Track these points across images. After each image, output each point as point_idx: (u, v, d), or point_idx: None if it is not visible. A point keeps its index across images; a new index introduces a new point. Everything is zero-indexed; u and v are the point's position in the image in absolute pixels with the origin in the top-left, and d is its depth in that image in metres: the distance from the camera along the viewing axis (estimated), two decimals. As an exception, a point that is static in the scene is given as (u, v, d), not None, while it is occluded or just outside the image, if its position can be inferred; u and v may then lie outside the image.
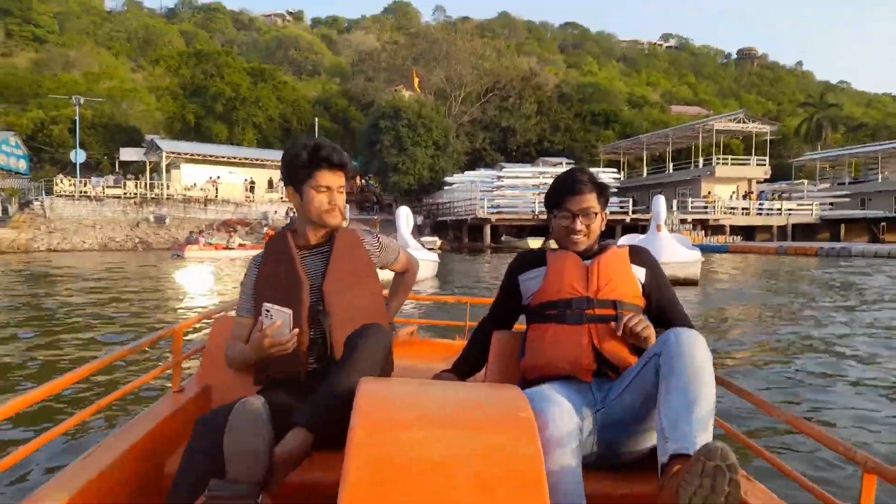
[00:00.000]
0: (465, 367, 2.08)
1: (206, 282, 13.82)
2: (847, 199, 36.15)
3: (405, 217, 14.57)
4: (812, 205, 35.23)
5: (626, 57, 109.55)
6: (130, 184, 32.50)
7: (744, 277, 15.16)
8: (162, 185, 33.10)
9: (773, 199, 36.47)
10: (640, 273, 1.91)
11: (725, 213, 34.23)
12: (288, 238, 1.95)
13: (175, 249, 23.63)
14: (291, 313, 1.71)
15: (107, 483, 1.47)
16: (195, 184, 34.71)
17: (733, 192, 37.13)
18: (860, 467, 1.18)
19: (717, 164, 37.50)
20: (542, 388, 1.52)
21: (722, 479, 1.17)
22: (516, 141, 45.46)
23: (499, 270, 19.39)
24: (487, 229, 33.40)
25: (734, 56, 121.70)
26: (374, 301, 1.97)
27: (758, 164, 38.35)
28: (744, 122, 38.58)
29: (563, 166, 36.74)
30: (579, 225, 1.89)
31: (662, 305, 1.92)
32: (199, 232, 27.43)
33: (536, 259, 1.97)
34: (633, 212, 34.35)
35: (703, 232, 32.46)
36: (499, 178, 35.19)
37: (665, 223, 32.52)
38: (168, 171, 34.87)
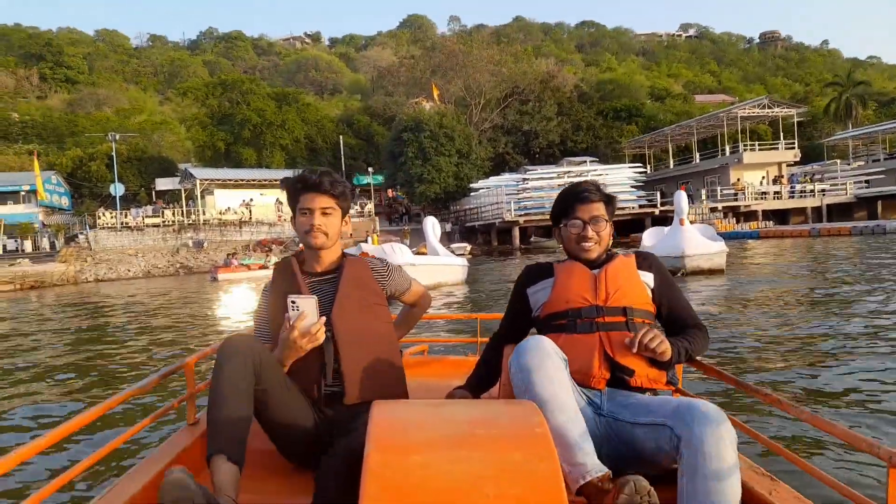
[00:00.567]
0: (478, 384, 2.08)
1: (239, 302, 14.36)
2: (882, 176, 35.35)
3: (432, 226, 15.06)
4: (846, 184, 34.56)
5: (645, 50, 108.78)
6: (168, 212, 33.66)
7: (772, 263, 15.12)
8: (198, 211, 34.19)
9: (804, 182, 35.84)
10: (647, 278, 1.92)
11: (756, 198, 33.81)
12: (293, 264, 1.98)
13: (212, 272, 24.47)
14: (317, 299, 1.75)
15: None
16: (229, 208, 35.76)
17: (763, 178, 36.66)
18: (886, 463, 1.17)
19: (745, 150, 37.08)
20: (544, 339, 1.64)
21: None
22: (539, 143, 45.61)
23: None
24: (516, 231, 33.62)
25: (756, 41, 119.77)
26: (383, 328, 1.97)
27: (786, 148, 37.79)
28: (768, 108, 38.08)
29: (587, 164, 36.82)
30: (590, 232, 1.90)
31: (672, 309, 1.92)
32: (233, 254, 28.27)
33: (544, 271, 1.98)
34: (662, 204, 34.19)
35: (735, 219, 32.12)
36: (524, 180, 35.42)
37: (695, 212, 32.46)
38: (202, 197, 35.99)
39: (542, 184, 35.26)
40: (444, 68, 47.05)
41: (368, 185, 43.46)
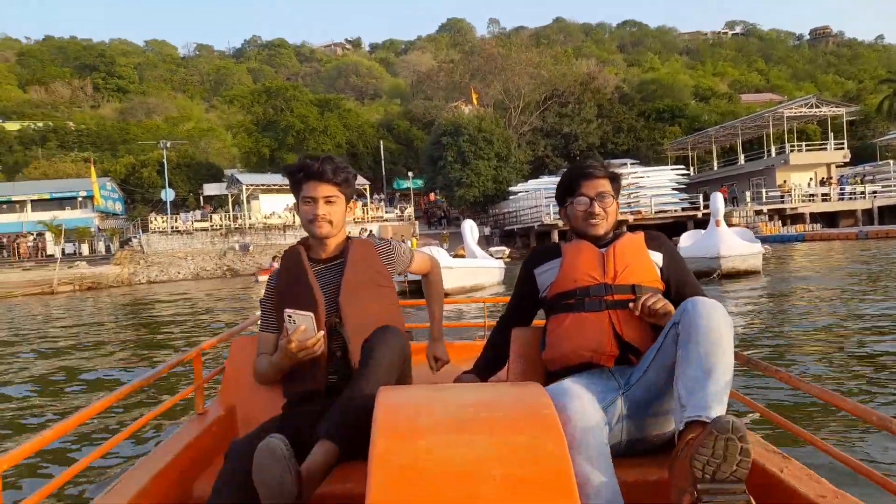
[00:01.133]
0: (485, 367, 2.07)
1: None
2: (939, 177, 33.98)
3: (470, 230, 15.40)
4: (899, 185, 33.39)
5: (689, 49, 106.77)
6: (216, 217, 34.79)
7: (811, 266, 14.92)
8: (244, 215, 35.23)
9: (854, 183, 34.73)
10: (656, 257, 1.90)
11: (803, 200, 32.95)
12: (301, 252, 1.97)
13: (256, 274, 25.43)
14: (313, 315, 1.74)
15: None
16: (273, 212, 36.74)
17: (811, 179, 35.67)
18: None
19: (792, 151, 36.15)
20: (563, 383, 1.57)
21: (734, 450, 1.22)
22: (579, 146, 45.34)
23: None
24: (555, 234, 33.51)
25: (807, 37, 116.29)
26: (391, 310, 1.96)
27: (836, 148, 36.68)
28: (816, 107, 37.02)
29: (627, 167, 36.46)
30: (597, 208, 1.89)
31: (681, 287, 1.90)
32: (276, 257, 29.13)
33: (550, 252, 1.98)
34: (705, 207, 33.61)
35: (781, 222, 31.36)
36: (563, 183, 35.31)
37: (739, 215, 31.86)
38: (248, 202, 37.06)
39: (582, 187, 35.06)
40: (482, 72, 47.24)
41: (408, 189, 43.96)
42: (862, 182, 34.73)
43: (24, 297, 23.87)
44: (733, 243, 12.57)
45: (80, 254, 32.98)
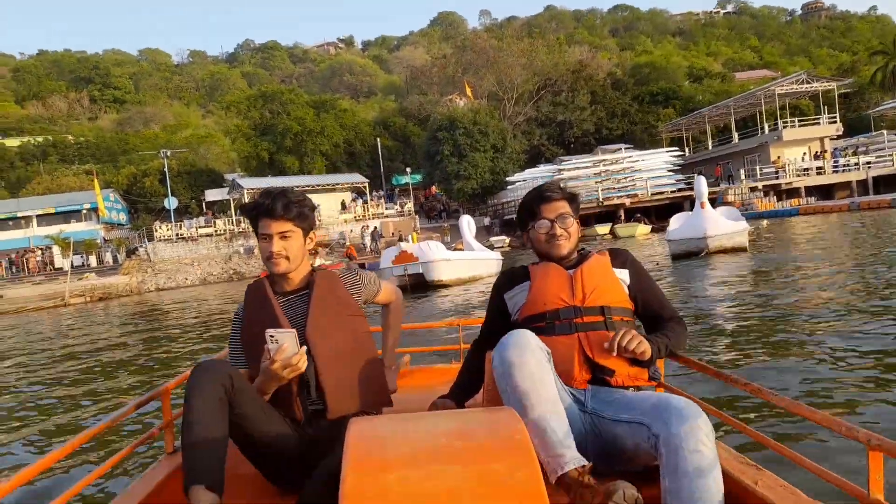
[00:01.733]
0: (461, 391, 2.07)
1: None
2: (933, 145, 34.25)
3: (467, 224, 16.01)
4: (892, 154, 33.67)
5: (682, 30, 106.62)
6: (220, 222, 35.33)
7: (797, 240, 15.43)
8: (244, 219, 35.72)
9: (847, 155, 35.04)
10: (623, 275, 1.93)
11: (798, 175, 33.29)
12: (265, 285, 1.96)
13: (260, 276, 25.99)
14: (295, 332, 1.74)
15: None
16: (275, 214, 37.22)
17: (805, 154, 35.98)
18: (865, 445, 1.18)
19: (785, 127, 36.45)
20: (524, 334, 1.65)
21: None
22: (574, 133, 45.69)
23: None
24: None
25: (798, 12, 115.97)
26: (361, 339, 1.95)
27: (829, 122, 36.96)
28: (807, 83, 37.29)
29: (622, 151, 36.84)
30: (558, 230, 1.92)
31: (649, 304, 1.94)
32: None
33: (520, 275, 2.00)
34: (701, 187, 33.99)
35: (776, 198, 31.73)
36: (559, 171, 35.73)
37: (734, 193, 32.25)
38: (250, 206, 37.54)
39: (578, 173, 35.51)
40: (475, 66, 47.59)
41: (407, 184, 44.40)
42: (855, 154, 35.02)
43: (38, 310, 24.44)
44: (719, 223, 13.19)
45: (89, 265, 33.56)
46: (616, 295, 1.86)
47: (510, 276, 2.03)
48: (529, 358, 1.57)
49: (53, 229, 36.20)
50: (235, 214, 37.03)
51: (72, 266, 30.05)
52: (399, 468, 1.06)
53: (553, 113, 45.48)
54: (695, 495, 1.37)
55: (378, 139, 46.95)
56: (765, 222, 24.75)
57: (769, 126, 37.63)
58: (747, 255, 12.71)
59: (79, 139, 64.81)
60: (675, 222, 14.19)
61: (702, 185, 13.73)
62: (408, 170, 44.31)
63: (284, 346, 1.71)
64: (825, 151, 36.07)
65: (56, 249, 34.10)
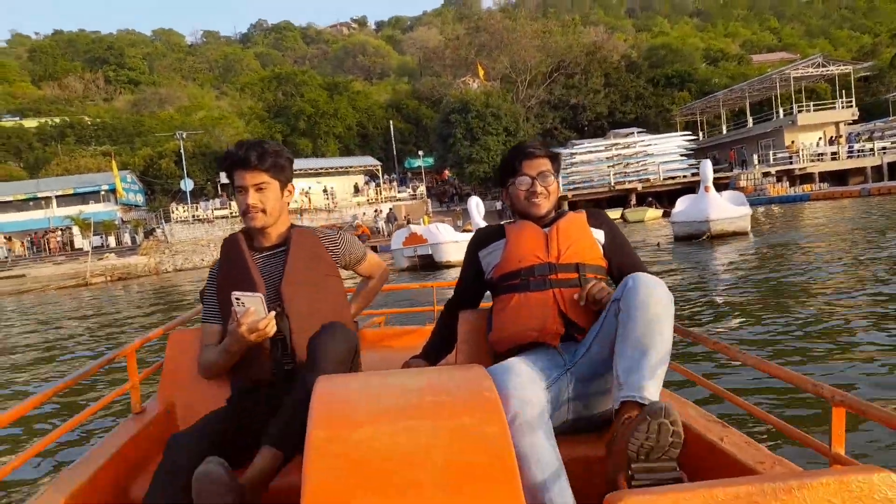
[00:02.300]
0: (433, 351, 2.07)
1: None
2: (951, 130, 33.89)
3: (475, 206, 16.32)
4: (909, 140, 33.41)
5: (700, 11, 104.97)
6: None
7: (801, 225, 15.66)
8: (261, 201, 36.24)
9: (862, 141, 34.75)
10: (598, 234, 1.92)
11: (812, 160, 33.13)
12: (239, 240, 1.91)
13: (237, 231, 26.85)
14: (262, 296, 1.68)
15: None
16: (289, 197, 37.73)
17: (820, 139, 35.73)
18: (829, 401, 1.21)
19: (800, 112, 36.18)
20: (505, 361, 1.55)
21: (666, 432, 1.27)
22: (587, 116, 45.57)
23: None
24: (565, 206, 34.03)
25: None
26: (336, 300, 1.92)
27: (845, 107, 36.61)
28: (823, 66, 36.89)
29: (634, 135, 36.77)
30: (539, 187, 1.91)
31: (622, 264, 1.94)
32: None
33: (495, 233, 1.99)
34: (714, 171, 33.92)
35: (789, 183, 31.65)
36: (571, 155, 35.77)
37: (746, 178, 32.18)
38: (264, 188, 38.05)
39: (590, 157, 35.54)
40: (488, 47, 47.43)
41: (419, 167, 44.62)
42: (871, 139, 34.74)
43: (60, 289, 25.12)
44: (722, 207, 13.56)
45: (108, 246, 34.25)
46: (591, 252, 1.86)
47: (485, 234, 2.02)
48: (528, 412, 1.38)
49: (73, 210, 36.89)
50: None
51: (91, 246, 30.75)
52: (367, 424, 1.05)
53: (566, 96, 45.34)
54: (640, 329, 1.46)
55: (391, 122, 47.11)
56: (776, 207, 24.82)
57: (784, 111, 37.35)
58: (748, 238, 13.07)
59: (95, 120, 65.33)
60: (681, 205, 14.57)
61: (707, 170, 14.13)
62: (420, 153, 44.49)
63: (251, 309, 1.66)
64: (840, 136, 35.79)
65: (76, 230, 34.82)
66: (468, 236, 14.08)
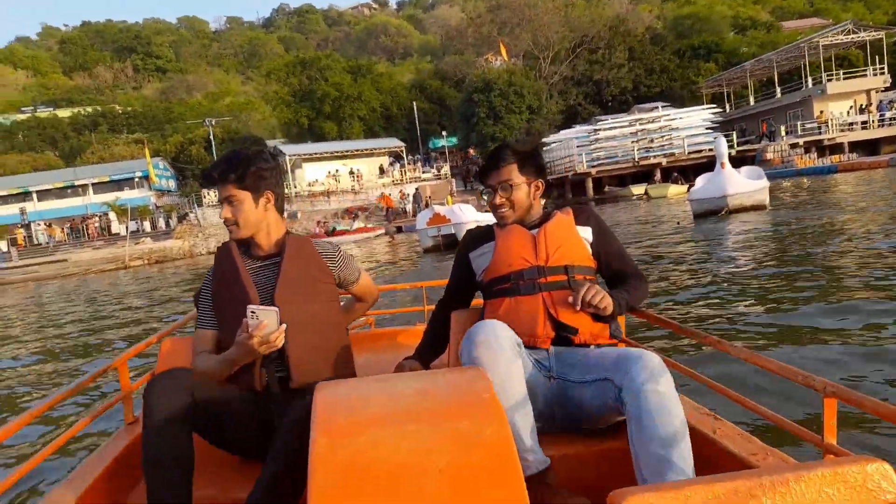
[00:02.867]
0: (426, 352, 2.05)
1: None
2: None
3: None
4: (944, 107, 32.56)
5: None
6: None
7: (822, 198, 15.69)
8: (289, 185, 36.99)
9: (895, 108, 33.94)
10: (586, 233, 1.93)
11: (841, 130, 32.54)
12: (232, 248, 1.91)
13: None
14: (278, 310, 1.70)
15: None
16: (317, 180, 38.45)
17: (850, 108, 35.01)
18: (820, 393, 1.21)
19: (829, 80, 35.44)
20: (490, 322, 1.61)
21: None
22: (610, 91, 45.19)
23: (608, 218, 20.60)
24: (589, 182, 34.14)
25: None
26: (329, 309, 1.91)
27: (877, 74, 35.73)
28: (854, 33, 35.95)
29: (658, 110, 36.46)
30: (499, 199, 1.92)
31: (611, 261, 1.96)
32: (318, 223, 31.04)
33: (484, 236, 1.99)
34: (739, 144, 33.58)
35: (817, 154, 31.18)
36: (595, 131, 35.68)
37: (773, 150, 31.75)
38: (292, 171, 38.79)
39: (614, 133, 35.39)
40: (511, 24, 47.18)
41: (443, 147, 44.90)
42: (904, 106, 33.95)
43: (101, 272, 26.22)
44: (738, 182, 13.81)
45: (144, 231, 35.41)
46: (579, 253, 1.88)
47: (475, 237, 2.03)
48: (500, 358, 1.52)
49: (109, 196, 38.15)
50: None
51: (128, 231, 31.88)
52: (369, 429, 1.05)
53: (589, 71, 45.00)
54: (659, 431, 1.39)
55: (414, 102, 47.37)
56: (804, 179, 24.58)
57: (813, 80, 36.62)
58: (765, 213, 13.26)
59: (126, 109, 66.92)
60: (699, 182, 14.75)
61: (722, 147, 14.31)
62: (444, 133, 44.73)
63: (264, 322, 1.66)
64: (870, 105, 35.02)
65: (112, 216, 36.04)
66: (489, 216, 14.67)
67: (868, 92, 35.87)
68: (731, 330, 4.75)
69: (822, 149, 31.84)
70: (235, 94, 68.73)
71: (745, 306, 5.45)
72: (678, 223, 14.05)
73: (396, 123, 47.67)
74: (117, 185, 41.69)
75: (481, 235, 2.01)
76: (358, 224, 29.71)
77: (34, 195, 41.41)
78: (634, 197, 29.95)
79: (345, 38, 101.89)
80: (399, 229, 29.77)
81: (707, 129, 35.42)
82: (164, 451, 1.49)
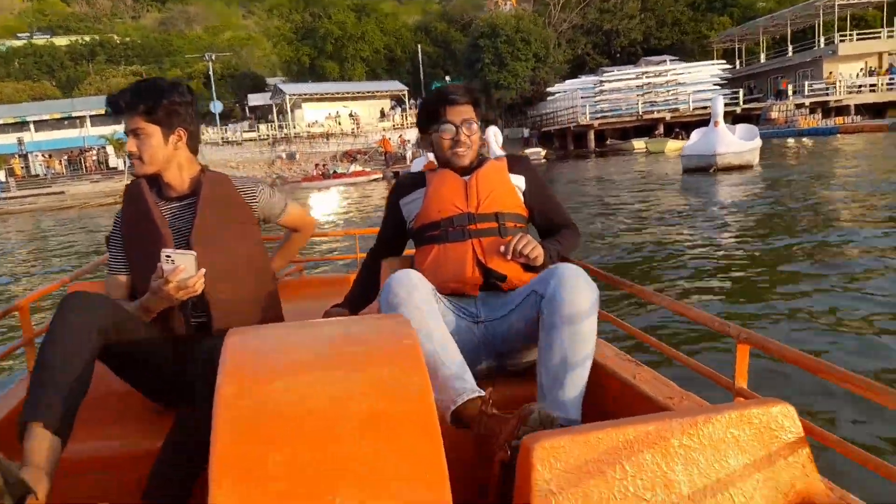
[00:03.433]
0: (356, 300, 2.02)
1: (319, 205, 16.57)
2: None
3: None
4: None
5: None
6: (262, 127, 36.34)
7: (813, 159, 15.90)
8: (288, 125, 36.64)
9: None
10: (519, 181, 1.91)
11: (849, 92, 32.09)
12: (143, 187, 1.78)
13: (304, 182, 27.66)
14: (196, 255, 1.60)
15: None
16: (316, 121, 38.01)
17: (861, 70, 34.41)
18: (734, 339, 1.25)
19: (841, 41, 34.68)
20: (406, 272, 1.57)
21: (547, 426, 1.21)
22: (620, 42, 44.24)
23: (602, 170, 20.67)
24: (591, 135, 33.88)
25: None
26: (252, 251, 1.82)
27: (891, 36, 34.94)
28: (872, -9, 35.02)
29: (666, 63, 35.83)
30: (463, 136, 1.87)
31: (544, 211, 1.95)
32: (316, 165, 30.97)
33: (416, 182, 1.95)
34: (746, 101, 33.18)
35: (821, 115, 30.87)
36: (600, 83, 35.15)
37: (777, 110, 31.42)
38: (292, 111, 38.33)
39: (619, 86, 34.89)
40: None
41: (447, 93, 44.16)
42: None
43: (98, 206, 26.26)
44: (729, 141, 14.04)
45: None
46: (511, 201, 1.86)
47: (406, 183, 1.99)
48: (416, 294, 1.52)
49: (106, 129, 37.73)
50: (277, 119, 37.94)
51: (126, 165, 31.77)
52: (280, 376, 1.00)
53: (600, 20, 43.93)
54: (565, 343, 1.44)
55: (419, 45, 46.38)
56: (805, 140, 24.46)
57: (825, 39, 35.84)
58: (752, 173, 13.46)
59: (124, 39, 65.43)
60: (695, 136, 14.97)
61: (718, 105, 14.57)
62: (447, 78, 43.97)
63: (181, 267, 1.57)
64: (880, 68, 34.42)
65: (110, 149, 35.80)
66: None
67: (880, 55, 35.19)
68: (675, 280, 4.99)
69: (827, 110, 31.50)
70: (236, 28, 67.07)
71: (694, 262, 5.64)
72: (666, 174, 14.36)
73: (400, 67, 46.80)
74: (115, 118, 40.98)
75: (412, 182, 1.97)
76: (355, 168, 29.68)
77: (31, 125, 40.98)
78: (635, 151, 29.85)
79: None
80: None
81: (714, 84, 34.90)
82: (57, 366, 1.36)
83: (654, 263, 5.77)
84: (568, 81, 37.36)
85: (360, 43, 45.13)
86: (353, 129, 37.69)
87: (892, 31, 34.99)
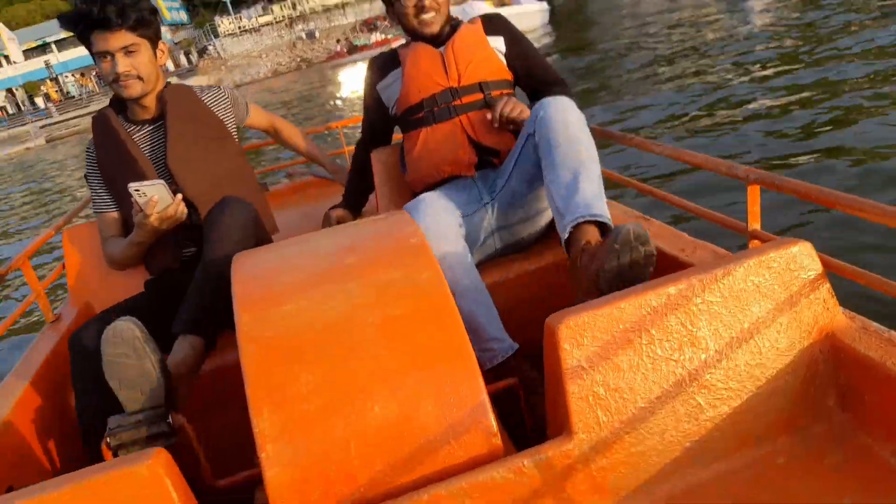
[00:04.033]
0: (353, 198, 1.98)
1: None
2: None
3: None
4: None
5: None
6: (276, 8, 35.10)
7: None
8: (303, 1, 35.26)
9: None
10: (497, 43, 1.77)
11: None
12: (110, 116, 1.70)
13: (329, 61, 27.06)
14: (164, 182, 1.52)
15: (15, 430, 1.37)
16: (329, -9, 36.38)
17: None
18: (744, 181, 1.20)
19: None
20: (418, 198, 1.46)
21: (637, 257, 1.13)
22: None
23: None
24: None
25: None
26: (234, 162, 1.76)
27: None
28: None
29: None
30: (427, 1, 1.69)
31: (529, 70, 1.80)
32: (338, 41, 30.04)
33: (389, 62, 1.81)
34: None
35: None
36: None
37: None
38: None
39: None
40: None
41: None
42: None
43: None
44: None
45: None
46: (493, 67, 1.73)
47: (380, 64, 1.84)
48: (444, 246, 1.38)
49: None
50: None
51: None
52: (293, 297, 1.00)
53: None
54: (569, 154, 1.37)
55: None
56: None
57: None
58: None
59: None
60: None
61: None
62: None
63: (154, 198, 1.49)
64: None
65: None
66: (510, 10, 14.80)
67: None
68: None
69: None
70: None
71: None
72: None
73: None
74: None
75: (386, 62, 1.82)
76: (377, 37, 28.74)
77: (53, 46, 40.90)
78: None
79: None
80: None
81: None
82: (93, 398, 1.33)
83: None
84: None
85: None
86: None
87: None
